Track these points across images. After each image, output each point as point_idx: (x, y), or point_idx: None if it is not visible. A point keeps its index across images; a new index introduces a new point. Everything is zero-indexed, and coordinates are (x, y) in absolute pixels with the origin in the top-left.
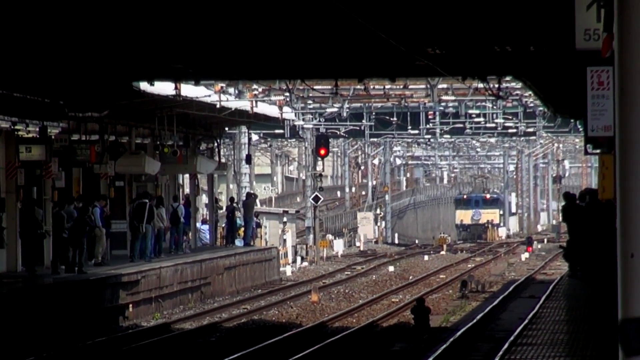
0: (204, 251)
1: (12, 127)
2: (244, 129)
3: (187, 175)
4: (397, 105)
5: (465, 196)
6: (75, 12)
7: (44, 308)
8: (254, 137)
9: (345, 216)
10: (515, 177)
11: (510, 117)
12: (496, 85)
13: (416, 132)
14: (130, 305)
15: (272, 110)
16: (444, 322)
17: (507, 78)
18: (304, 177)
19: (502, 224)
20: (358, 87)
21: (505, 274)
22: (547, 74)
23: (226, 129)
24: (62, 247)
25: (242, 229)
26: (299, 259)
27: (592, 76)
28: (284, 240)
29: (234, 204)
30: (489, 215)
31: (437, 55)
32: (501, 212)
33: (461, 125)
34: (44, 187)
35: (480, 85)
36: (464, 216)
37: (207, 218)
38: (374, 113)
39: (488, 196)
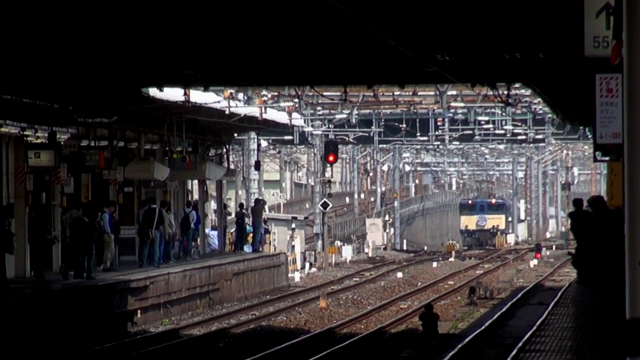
0: (212, 257)
1: (21, 132)
2: (253, 135)
3: (195, 181)
4: (406, 112)
5: (470, 201)
6: (85, 18)
7: (52, 313)
8: (263, 143)
9: (353, 222)
10: (524, 183)
11: (519, 124)
12: (505, 92)
13: (425, 138)
14: (139, 311)
15: (281, 117)
16: (452, 328)
17: (517, 85)
18: (312, 184)
19: (511, 231)
20: (367, 93)
21: (514, 280)
22: (556, 81)
23: (235, 135)
24: (75, 253)
25: (251, 235)
26: (307, 265)
27: (601, 83)
28: (293, 247)
29: (243, 210)
30: (494, 220)
31: (446, 62)
32: (510, 219)
33: (470, 132)
34: (53, 192)
35: (490, 92)
36: (469, 222)
37: (216, 224)
38: (383, 119)
39: (493, 201)
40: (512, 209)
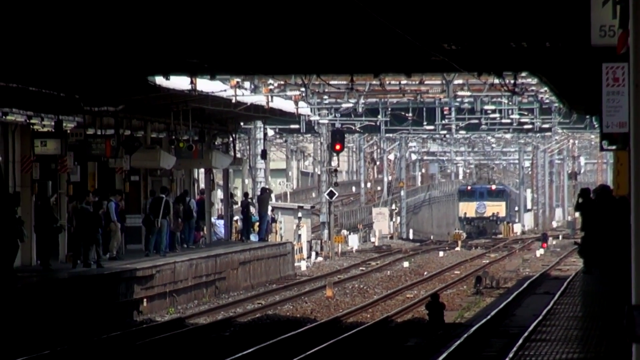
0: (218, 246)
1: (28, 121)
2: (259, 124)
3: (202, 170)
4: (412, 101)
5: (469, 187)
6: (91, 6)
7: (58, 302)
8: (270, 132)
9: (360, 212)
10: (530, 173)
11: (525, 113)
12: (512, 81)
13: (432, 127)
14: (145, 300)
15: (287, 105)
16: (458, 317)
17: (523, 74)
18: (319, 173)
19: (517, 220)
20: (374, 82)
21: (520, 270)
22: (563, 70)
23: (242, 123)
24: (80, 242)
25: (257, 223)
26: (313, 254)
27: (607, 72)
28: (299, 236)
29: (248, 199)
30: (494, 207)
31: (452, 51)
32: (517, 209)
33: (477, 121)
34: (59, 181)
35: (496, 81)
36: (468, 209)
37: (222, 213)
38: (389, 108)
39: (493, 187)
40: (519, 198)
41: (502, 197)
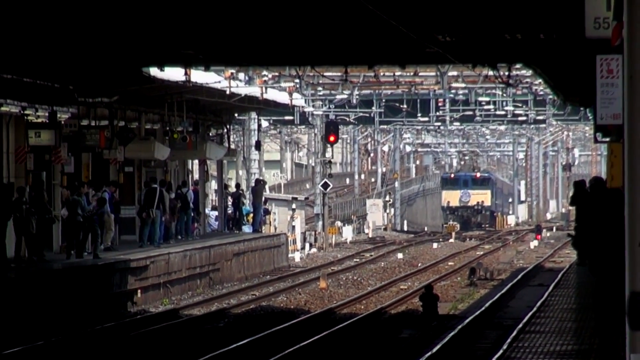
0: (212, 237)
1: (22, 112)
2: (253, 115)
3: (196, 161)
4: (407, 93)
5: (452, 175)
6: None
7: (52, 293)
8: (264, 124)
9: (354, 203)
10: (524, 164)
11: (520, 105)
12: (506, 73)
13: (426, 119)
14: (139, 291)
15: (281, 97)
16: (452, 309)
17: (517, 66)
18: (313, 164)
19: (507, 210)
20: (368, 74)
21: (514, 261)
22: (557, 61)
23: (236, 115)
24: (75, 233)
25: (251, 215)
26: (307, 245)
27: (601, 64)
28: (293, 227)
29: (240, 190)
30: (479, 196)
31: (447, 43)
32: (510, 200)
33: (471, 113)
34: (53, 172)
35: (490, 72)
36: (451, 197)
37: (217, 204)
38: (383, 100)
39: (478, 175)
40: (513, 189)
41: (487, 185)
